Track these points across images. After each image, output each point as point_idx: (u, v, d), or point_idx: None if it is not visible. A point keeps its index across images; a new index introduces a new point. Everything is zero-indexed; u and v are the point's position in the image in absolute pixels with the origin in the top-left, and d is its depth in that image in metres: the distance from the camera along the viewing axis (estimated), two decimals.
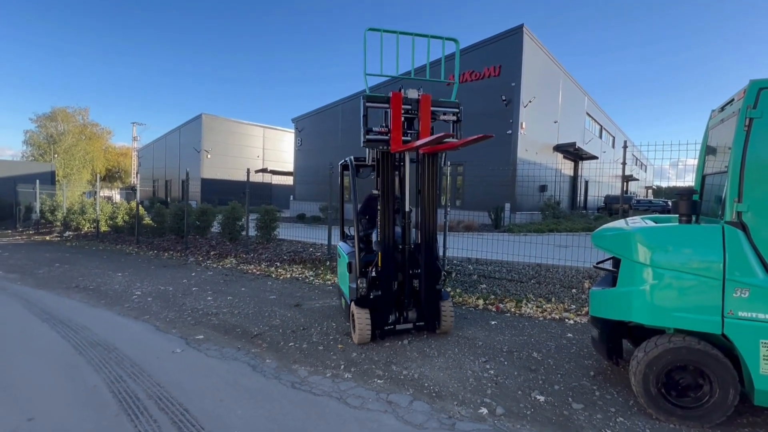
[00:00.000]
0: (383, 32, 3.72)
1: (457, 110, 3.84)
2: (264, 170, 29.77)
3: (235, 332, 4.18)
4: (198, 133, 30.37)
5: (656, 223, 3.00)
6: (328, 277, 6.72)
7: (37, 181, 15.43)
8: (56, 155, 30.10)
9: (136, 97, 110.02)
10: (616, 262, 2.99)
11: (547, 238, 10.27)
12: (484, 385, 3.07)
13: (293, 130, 27.00)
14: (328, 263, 7.37)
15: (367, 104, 3.63)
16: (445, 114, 3.83)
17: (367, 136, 3.62)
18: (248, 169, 8.53)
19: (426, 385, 3.04)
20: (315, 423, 2.52)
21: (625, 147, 6.01)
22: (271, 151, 34.77)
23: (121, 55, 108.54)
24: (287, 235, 10.19)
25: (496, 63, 17.52)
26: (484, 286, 5.87)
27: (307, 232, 10.58)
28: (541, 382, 3.13)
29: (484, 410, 2.71)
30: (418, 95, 3.71)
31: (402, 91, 3.67)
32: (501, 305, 5.09)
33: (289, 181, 29.18)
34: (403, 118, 3.68)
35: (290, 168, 29.42)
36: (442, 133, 3.13)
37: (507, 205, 16.76)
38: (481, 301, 5.23)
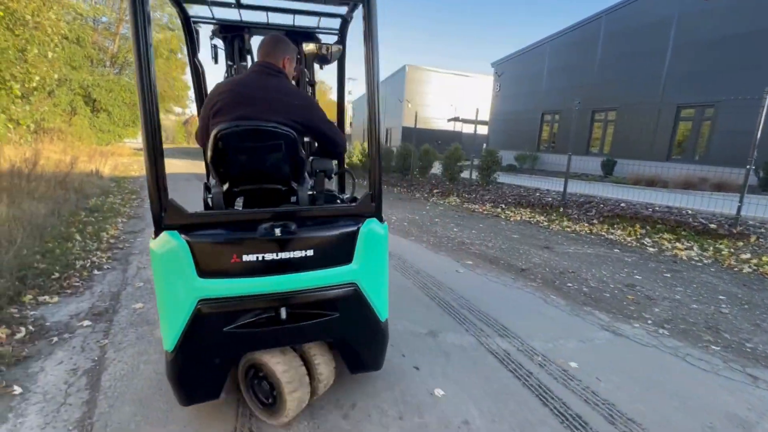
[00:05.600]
0: None
1: None
2: (455, 119, 29.80)
3: (498, 263, 4.26)
4: (401, 84, 32.31)
5: None
6: (566, 224, 6.22)
7: None
8: None
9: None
10: None
11: None
12: None
13: (486, 75, 25.45)
14: (561, 210, 6.82)
15: None
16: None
17: None
18: (477, 109, 8.42)
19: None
20: (661, 375, 2.28)
21: None
22: (462, 99, 34.37)
23: None
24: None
25: None
26: None
27: (517, 179, 10.07)
28: None
29: None
30: None
31: None
32: None
33: (479, 129, 28.37)
34: None
35: (480, 116, 28.55)
36: None
37: None
38: None
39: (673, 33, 13.94)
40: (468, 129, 30.27)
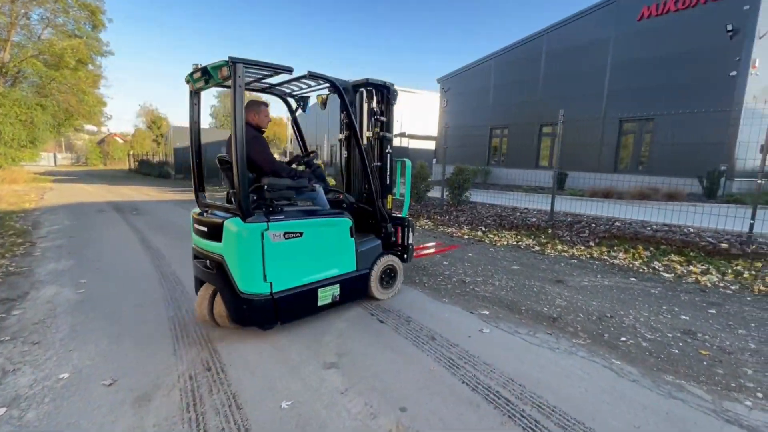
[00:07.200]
0: None
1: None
2: (402, 134, 29.57)
3: (520, 310, 3.42)
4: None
5: None
6: (560, 248, 5.62)
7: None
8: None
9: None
10: None
11: None
12: None
13: (433, 92, 25.55)
14: (550, 231, 6.25)
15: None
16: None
17: None
18: (446, 126, 7.73)
19: None
20: None
21: None
22: (409, 114, 34.52)
23: (260, 23, 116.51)
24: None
25: None
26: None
27: (474, 195, 9.54)
28: None
29: None
30: None
31: None
32: None
33: (425, 145, 28.50)
34: None
35: (427, 132, 28.62)
36: None
37: (722, 169, 12.96)
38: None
39: (611, 52, 14.65)
40: (414, 144, 30.18)
